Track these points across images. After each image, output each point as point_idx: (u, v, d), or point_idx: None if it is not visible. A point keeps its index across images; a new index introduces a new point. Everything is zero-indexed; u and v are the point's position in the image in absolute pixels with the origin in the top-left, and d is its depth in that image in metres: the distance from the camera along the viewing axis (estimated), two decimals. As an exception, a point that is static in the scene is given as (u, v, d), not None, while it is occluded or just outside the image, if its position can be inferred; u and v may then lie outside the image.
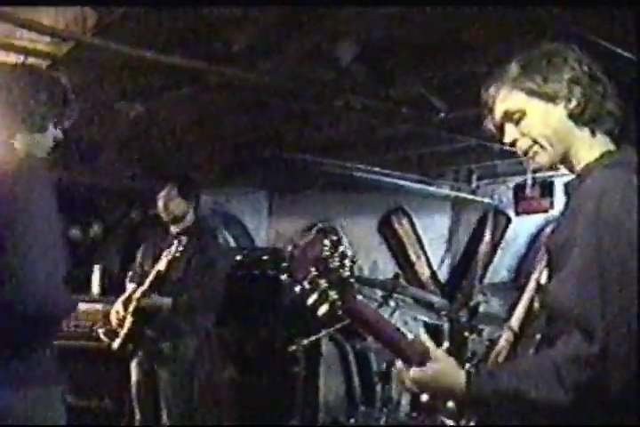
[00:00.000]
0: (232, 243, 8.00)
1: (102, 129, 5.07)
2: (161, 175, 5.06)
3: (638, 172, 1.95)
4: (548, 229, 2.05)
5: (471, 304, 4.89)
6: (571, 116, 2.09)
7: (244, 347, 6.48)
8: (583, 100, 2.07)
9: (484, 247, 6.95)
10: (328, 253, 2.12)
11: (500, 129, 2.21)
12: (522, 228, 6.69)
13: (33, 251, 2.56)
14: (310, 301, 2.09)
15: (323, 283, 2.10)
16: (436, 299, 5.35)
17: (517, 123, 2.14)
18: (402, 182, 6.57)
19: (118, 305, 4.74)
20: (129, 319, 4.72)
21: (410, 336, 2.18)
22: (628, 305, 1.82)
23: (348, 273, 2.12)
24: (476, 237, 7.11)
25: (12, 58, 3.80)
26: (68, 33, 3.28)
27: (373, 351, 6.71)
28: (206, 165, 6.34)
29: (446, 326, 5.70)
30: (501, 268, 6.82)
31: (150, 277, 4.73)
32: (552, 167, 2.20)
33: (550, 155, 2.13)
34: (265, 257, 6.60)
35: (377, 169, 6.30)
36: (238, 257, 6.65)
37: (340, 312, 2.10)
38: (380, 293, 5.14)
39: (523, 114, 2.12)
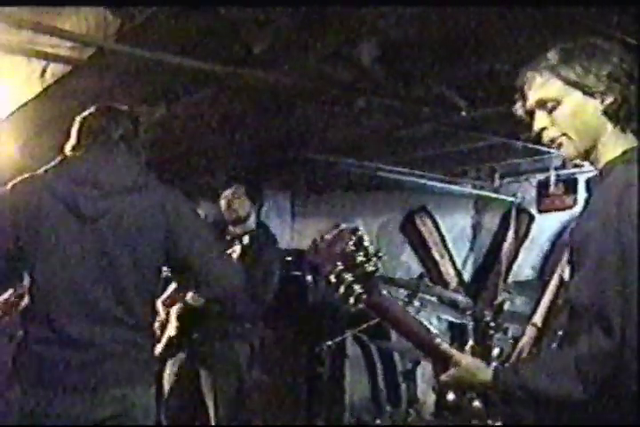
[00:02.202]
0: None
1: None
2: (183, 179, 5.04)
3: None
4: (572, 226, 2.05)
5: (496, 303, 4.87)
6: (605, 112, 2.07)
7: (269, 348, 6.48)
8: (620, 98, 2.05)
9: (507, 246, 6.93)
10: (353, 248, 2.14)
11: (531, 115, 2.19)
12: (545, 225, 6.66)
13: None
14: (337, 295, 2.11)
15: (348, 277, 2.12)
16: (461, 298, 5.33)
17: (550, 111, 2.13)
18: (424, 182, 6.57)
19: (159, 306, 4.59)
20: (174, 321, 4.61)
21: (435, 331, 2.21)
22: None
23: (373, 268, 2.14)
24: (500, 235, 7.09)
25: (34, 64, 3.84)
26: (90, 38, 3.30)
27: (398, 351, 6.71)
28: (230, 167, 6.36)
29: (471, 325, 5.69)
30: (526, 266, 6.79)
31: None
32: (574, 160, 2.19)
33: (576, 147, 2.12)
34: (289, 258, 6.60)
35: (399, 169, 6.30)
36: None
37: (365, 306, 2.12)
38: (404, 292, 5.13)
39: (557, 103, 2.11)
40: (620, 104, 2.06)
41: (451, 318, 5.27)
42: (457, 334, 6.88)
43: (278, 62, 3.74)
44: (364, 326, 5.44)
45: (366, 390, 6.75)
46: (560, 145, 2.14)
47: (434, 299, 5.10)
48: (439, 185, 6.66)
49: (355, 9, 3.14)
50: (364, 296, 2.11)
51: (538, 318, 2.28)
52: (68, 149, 3.10)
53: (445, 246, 7.54)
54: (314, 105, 4.49)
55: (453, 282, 7.43)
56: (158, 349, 4.55)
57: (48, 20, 3.34)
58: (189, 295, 4.48)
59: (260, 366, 6.48)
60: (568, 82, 2.08)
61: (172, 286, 4.79)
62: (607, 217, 1.90)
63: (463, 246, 7.42)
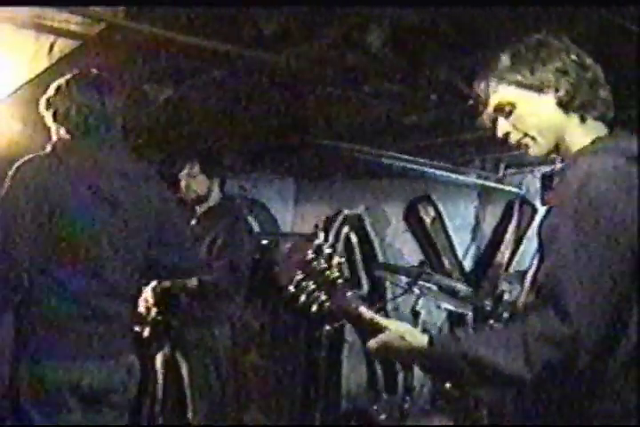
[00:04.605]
0: (257, 228, 8.01)
1: (131, 111, 5.08)
2: (193, 158, 4.98)
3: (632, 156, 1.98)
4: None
5: (496, 293, 4.88)
6: (560, 104, 2.12)
7: (267, 332, 6.50)
8: (572, 89, 2.10)
9: (509, 236, 6.92)
10: (313, 256, 2.14)
11: (494, 123, 2.25)
12: (548, 217, 6.64)
13: None
14: (299, 303, 2.14)
15: (310, 285, 2.13)
16: (461, 287, 5.34)
17: (508, 115, 2.19)
18: (429, 170, 6.55)
19: (148, 291, 4.63)
20: (155, 306, 4.65)
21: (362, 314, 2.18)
22: (606, 288, 1.85)
23: (336, 274, 2.16)
24: (502, 225, 7.08)
25: (43, 38, 3.82)
26: (100, 14, 3.29)
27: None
28: (234, 151, 6.34)
29: (470, 314, 5.70)
30: (527, 257, 6.78)
31: None
32: (547, 157, 2.26)
33: (542, 146, 2.18)
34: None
35: (404, 156, 6.28)
36: (264, 242, 6.66)
37: (329, 311, 2.15)
38: (404, 279, 5.13)
39: (513, 106, 2.17)
40: (573, 94, 2.10)
41: (450, 307, 5.27)
42: (456, 322, 6.89)
43: (287, 45, 3.72)
44: (364, 312, 5.44)
45: (363, 376, 6.77)
46: (526, 146, 2.20)
47: (434, 287, 5.10)
48: (443, 174, 6.64)
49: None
50: (327, 303, 2.13)
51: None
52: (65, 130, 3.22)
53: (447, 236, 7.53)
54: (321, 89, 4.48)
55: (454, 271, 7.42)
56: (145, 332, 4.62)
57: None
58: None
59: (258, 350, 6.51)
60: (518, 84, 2.14)
61: None
62: (569, 206, 1.94)
63: (465, 236, 7.41)
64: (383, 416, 4.79)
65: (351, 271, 7.91)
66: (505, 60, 2.18)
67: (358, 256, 7.97)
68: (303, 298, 2.14)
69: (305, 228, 8.15)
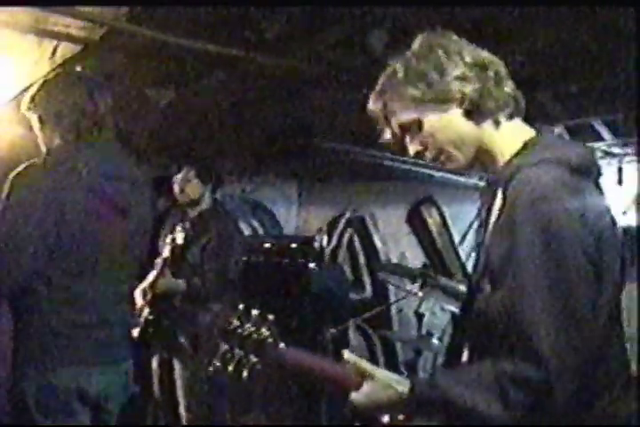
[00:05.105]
0: (260, 231, 8.02)
1: (133, 116, 5.08)
2: (190, 163, 5.05)
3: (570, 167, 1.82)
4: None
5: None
6: (468, 114, 1.95)
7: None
8: (477, 96, 1.93)
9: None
10: (237, 324, 2.12)
11: (402, 141, 2.07)
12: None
13: None
14: (228, 373, 2.12)
15: (238, 352, 2.10)
16: (465, 288, 5.33)
17: (416, 133, 2.00)
18: (431, 172, 6.55)
19: (137, 293, 4.69)
20: (146, 307, 4.74)
21: (346, 359, 2.11)
22: (581, 329, 1.72)
23: (267, 333, 2.11)
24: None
25: (46, 43, 3.82)
26: (102, 18, 3.29)
27: (400, 341, 6.71)
28: (237, 154, 6.35)
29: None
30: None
31: (159, 264, 4.78)
32: (469, 169, 2.06)
33: (460, 160, 2.01)
34: (294, 245, 6.60)
35: (406, 158, 6.27)
36: (267, 245, 6.66)
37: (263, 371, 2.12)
38: (407, 282, 5.13)
39: (419, 123, 1.98)
40: (479, 101, 1.93)
41: (454, 309, 5.26)
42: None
43: (290, 48, 3.73)
44: (367, 315, 5.45)
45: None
46: (444, 162, 2.03)
47: (438, 289, 5.09)
48: (446, 176, 6.64)
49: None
50: (260, 365, 2.10)
51: None
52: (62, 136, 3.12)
53: (451, 237, 7.53)
54: (323, 92, 4.48)
55: (457, 273, 7.42)
56: (136, 332, 4.67)
57: (59, -1, 3.32)
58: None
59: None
60: (418, 100, 1.95)
61: (152, 273, 4.88)
62: (527, 230, 1.76)
63: (468, 237, 7.40)
64: (386, 419, 4.78)
65: (354, 274, 7.91)
66: (397, 73, 1.99)
67: (362, 259, 7.97)
68: (230, 369, 2.11)
69: (309, 230, 8.15)
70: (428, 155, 2.03)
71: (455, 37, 2.02)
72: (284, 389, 6.15)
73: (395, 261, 7.69)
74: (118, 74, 4.05)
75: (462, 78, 1.92)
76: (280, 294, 6.24)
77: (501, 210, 1.88)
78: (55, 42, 3.72)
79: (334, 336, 5.24)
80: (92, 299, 3.06)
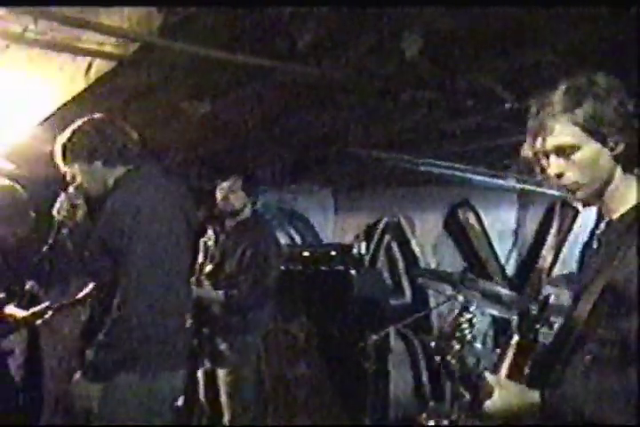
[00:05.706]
0: (298, 239, 8.04)
1: (169, 129, 5.12)
2: (227, 174, 5.10)
3: None
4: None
5: (541, 296, 4.83)
6: (616, 158, 2.09)
7: (313, 343, 6.49)
8: (631, 143, 2.07)
9: (551, 239, 6.88)
10: (466, 324, 2.33)
11: (545, 158, 2.20)
12: (590, 219, 6.60)
13: None
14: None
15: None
16: (505, 292, 5.29)
17: (568, 157, 2.12)
18: (468, 176, 6.53)
19: None
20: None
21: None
22: None
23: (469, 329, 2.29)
24: (544, 229, 7.04)
25: (79, 61, 3.86)
26: (135, 34, 3.32)
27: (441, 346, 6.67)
28: (272, 163, 6.37)
29: (515, 319, 5.65)
30: (571, 260, 6.74)
31: (197, 274, 4.82)
32: (582, 203, 2.22)
33: (588, 192, 2.16)
34: (333, 253, 6.61)
35: (442, 163, 6.27)
36: (306, 253, 6.67)
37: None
38: (447, 287, 5.10)
39: (576, 149, 2.10)
40: (630, 150, 2.07)
41: (495, 312, 5.23)
42: (500, 329, 6.85)
43: (322, 56, 3.73)
44: (408, 320, 5.43)
45: (410, 385, 6.74)
46: (575, 191, 2.16)
47: (477, 294, 5.06)
48: (482, 179, 6.62)
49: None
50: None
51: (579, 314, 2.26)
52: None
53: (489, 241, 7.50)
54: (357, 99, 4.48)
55: (497, 276, 7.39)
56: None
57: (92, 16, 3.36)
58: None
59: (305, 360, 6.51)
60: (585, 129, 2.07)
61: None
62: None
63: (507, 241, 7.38)
64: (431, 423, 4.78)
65: (393, 280, 7.90)
66: (568, 98, 2.11)
67: (400, 264, 7.96)
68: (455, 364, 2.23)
69: (345, 238, 8.16)
70: (566, 180, 2.16)
71: (617, 83, 2.14)
72: (326, 397, 6.16)
73: (433, 266, 7.67)
74: (153, 88, 4.09)
75: (624, 124, 2.07)
76: (321, 302, 6.24)
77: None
78: (89, 59, 3.76)
79: (376, 343, 5.23)
80: (181, 306, 3.33)
